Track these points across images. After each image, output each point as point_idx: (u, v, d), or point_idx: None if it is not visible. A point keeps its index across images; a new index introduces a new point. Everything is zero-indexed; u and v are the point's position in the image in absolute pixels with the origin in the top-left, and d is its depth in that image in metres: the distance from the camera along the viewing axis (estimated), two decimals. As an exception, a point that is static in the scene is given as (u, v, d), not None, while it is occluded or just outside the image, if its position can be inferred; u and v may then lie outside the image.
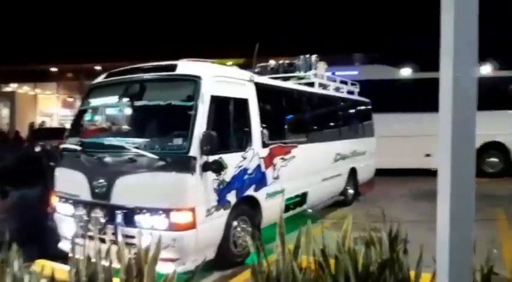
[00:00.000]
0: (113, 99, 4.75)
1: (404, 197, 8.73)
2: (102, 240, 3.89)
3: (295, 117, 6.39)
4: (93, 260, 2.28)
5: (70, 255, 2.62)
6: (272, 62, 7.93)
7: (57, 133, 9.81)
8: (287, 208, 5.75)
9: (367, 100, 9.50)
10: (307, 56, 7.77)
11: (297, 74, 7.56)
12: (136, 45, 19.69)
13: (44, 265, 2.85)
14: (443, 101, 1.65)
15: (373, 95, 9.88)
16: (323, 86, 7.73)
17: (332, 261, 2.38)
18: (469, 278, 1.65)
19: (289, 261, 2.37)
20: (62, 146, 4.74)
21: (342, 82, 8.60)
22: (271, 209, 5.23)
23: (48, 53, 22.47)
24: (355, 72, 12.44)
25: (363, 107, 9.20)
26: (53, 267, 2.93)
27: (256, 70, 7.48)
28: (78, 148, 4.45)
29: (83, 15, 21.12)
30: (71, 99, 26.56)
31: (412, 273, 2.49)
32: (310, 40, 17.57)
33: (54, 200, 4.71)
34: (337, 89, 8.24)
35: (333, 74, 11.97)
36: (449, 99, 1.62)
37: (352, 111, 8.68)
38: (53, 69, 25.17)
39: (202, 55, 5.23)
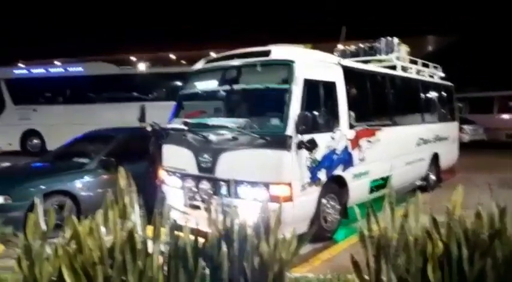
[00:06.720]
0: (213, 83, 5.18)
1: (490, 185, 8.39)
2: (206, 210, 4.35)
3: (380, 100, 6.44)
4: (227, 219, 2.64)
5: (180, 223, 2.84)
6: (352, 46, 7.98)
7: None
8: (370, 190, 5.89)
9: (449, 84, 9.20)
10: (389, 38, 7.72)
11: (378, 57, 7.55)
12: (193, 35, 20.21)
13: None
14: None
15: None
16: (404, 69, 7.65)
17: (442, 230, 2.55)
18: None
19: (399, 228, 2.57)
20: (169, 125, 5.26)
21: (424, 65, 8.41)
22: (357, 189, 5.43)
23: (128, 42, 23.99)
24: (80, 69, 14.17)
25: (445, 91, 8.94)
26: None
27: (336, 54, 7.61)
28: (185, 127, 4.93)
29: (160, 5, 22.11)
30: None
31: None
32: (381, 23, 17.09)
33: (162, 174, 5.28)
34: (418, 72, 8.10)
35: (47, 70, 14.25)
36: None
37: (434, 95, 8.47)
38: (133, 58, 26.88)
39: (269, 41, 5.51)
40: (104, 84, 13.62)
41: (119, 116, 12.00)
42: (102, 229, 2.38)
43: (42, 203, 2.54)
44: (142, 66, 16.20)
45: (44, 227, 2.45)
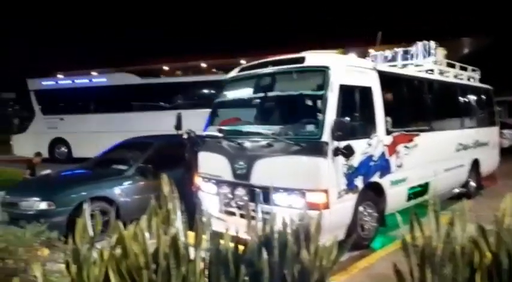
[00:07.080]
0: (248, 90, 5.22)
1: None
2: (242, 216, 4.39)
3: (417, 105, 6.30)
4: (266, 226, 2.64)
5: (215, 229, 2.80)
6: (387, 51, 7.86)
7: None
8: (408, 197, 5.74)
9: (488, 87, 8.88)
10: (425, 42, 7.56)
11: (414, 61, 7.40)
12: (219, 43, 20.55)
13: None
14: None
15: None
16: (442, 73, 7.45)
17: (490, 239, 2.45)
18: None
19: (445, 237, 2.49)
20: (204, 133, 5.34)
21: (462, 68, 8.16)
22: (394, 196, 5.31)
23: (160, 53, 24.65)
24: (104, 79, 14.74)
25: (484, 94, 8.63)
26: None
27: (371, 59, 7.51)
28: (220, 135, 4.99)
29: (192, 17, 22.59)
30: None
31: None
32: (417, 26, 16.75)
33: (198, 180, 5.35)
34: (456, 76, 7.87)
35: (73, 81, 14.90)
36: None
37: (473, 98, 8.20)
38: (165, 67, 27.53)
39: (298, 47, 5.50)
40: (126, 94, 14.06)
41: (141, 124, 12.50)
42: (146, 235, 2.43)
43: (89, 208, 2.63)
44: (163, 76, 16.65)
45: (90, 231, 2.53)
